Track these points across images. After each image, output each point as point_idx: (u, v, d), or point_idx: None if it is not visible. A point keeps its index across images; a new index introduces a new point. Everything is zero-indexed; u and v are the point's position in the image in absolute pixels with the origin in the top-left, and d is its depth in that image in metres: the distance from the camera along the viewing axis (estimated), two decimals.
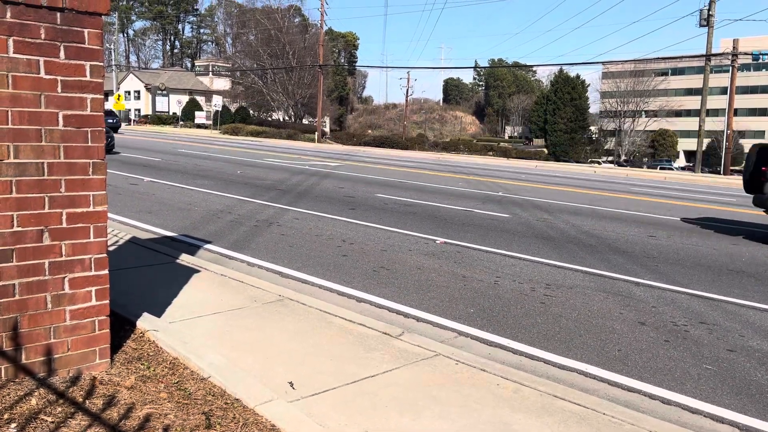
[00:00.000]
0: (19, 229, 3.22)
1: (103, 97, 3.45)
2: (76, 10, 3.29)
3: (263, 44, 68.16)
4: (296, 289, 6.07)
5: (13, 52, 3.11)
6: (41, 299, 3.33)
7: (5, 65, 3.09)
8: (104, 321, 3.58)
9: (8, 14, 3.08)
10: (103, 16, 3.42)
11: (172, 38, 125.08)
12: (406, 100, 78.46)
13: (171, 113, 72.67)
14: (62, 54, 3.28)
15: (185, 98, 72.54)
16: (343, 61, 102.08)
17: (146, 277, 5.77)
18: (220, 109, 59.05)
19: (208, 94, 78.23)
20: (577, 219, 12.52)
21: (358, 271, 7.10)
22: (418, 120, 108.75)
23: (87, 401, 3.19)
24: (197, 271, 6.12)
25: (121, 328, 4.17)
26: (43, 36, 3.20)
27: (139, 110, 79.57)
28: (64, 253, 3.39)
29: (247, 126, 55.96)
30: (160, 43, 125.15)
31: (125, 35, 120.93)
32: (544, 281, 7.09)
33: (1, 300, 3.19)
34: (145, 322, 4.27)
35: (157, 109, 76.35)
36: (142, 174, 15.85)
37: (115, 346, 3.89)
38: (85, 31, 3.35)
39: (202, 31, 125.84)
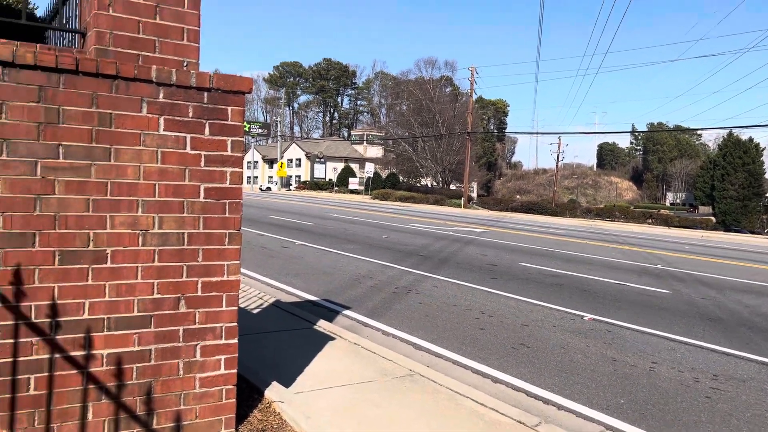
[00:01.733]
0: (159, 296, 3.37)
1: (241, 170, 3.59)
2: (222, 89, 3.49)
3: (414, 113, 70.61)
4: (429, 363, 5.85)
5: (163, 130, 3.34)
6: (174, 365, 3.43)
7: (156, 142, 3.32)
8: (231, 390, 3.61)
9: (161, 95, 3.32)
10: (245, 95, 3.59)
11: (332, 110, 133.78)
12: (557, 165, 76.56)
13: (327, 179, 76.91)
14: (207, 130, 3.46)
15: (341, 165, 76.55)
16: (492, 127, 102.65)
17: (282, 342, 5.87)
18: (371, 175, 61.45)
19: (362, 161, 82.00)
20: (751, 298, 11.11)
21: (495, 346, 6.72)
22: (569, 185, 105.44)
23: None
24: (332, 339, 6.12)
25: (249, 396, 4.19)
26: (190, 114, 3.41)
27: (299, 176, 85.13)
28: (197, 321, 3.49)
29: (396, 191, 57.58)
30: (320, 114, 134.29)
31: (291, 108, 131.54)
32: (711, 371, 6.24)
33: (139, 364, 3.32)
34: (273, 391, 4.27)
35: (315, 176, 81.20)
36: (294, 237, 16.65)
37: (242, 415, 3.90)
38: (229, 108, 3.53)
39: (359, 102, 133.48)
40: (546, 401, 5.14)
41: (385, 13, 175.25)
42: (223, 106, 3.51)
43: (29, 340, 3.03)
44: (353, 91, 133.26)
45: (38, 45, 3.40)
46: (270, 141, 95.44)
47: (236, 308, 3.61)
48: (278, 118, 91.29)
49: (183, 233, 3.42)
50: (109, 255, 3.22)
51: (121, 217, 3.24)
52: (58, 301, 3.10)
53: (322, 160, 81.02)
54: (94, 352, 3.20)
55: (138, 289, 3.30)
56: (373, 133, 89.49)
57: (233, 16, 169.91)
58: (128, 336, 3.29)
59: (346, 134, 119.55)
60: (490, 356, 6.33)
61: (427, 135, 67.21)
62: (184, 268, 3.43)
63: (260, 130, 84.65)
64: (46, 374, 3.07)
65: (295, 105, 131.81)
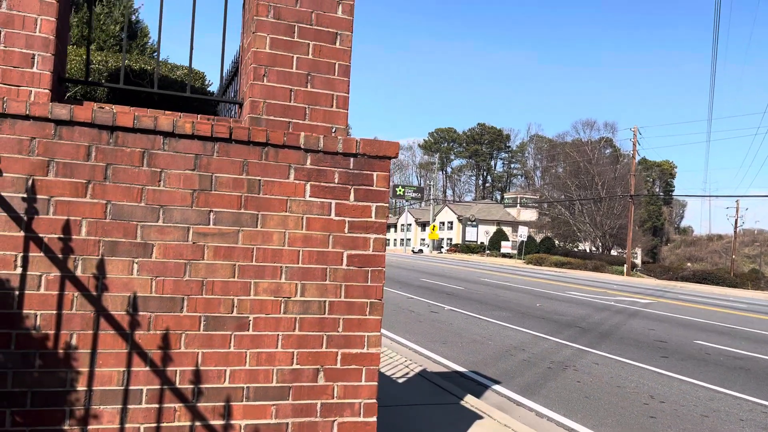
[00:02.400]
0: (298, 366, 3.26)
1: (385, 237, 3.44)
2: (368, 155, 3.41)
3: (571, 176, 68.36)
4: None
5: (309, 196, 3.30)
6: None
7: (301, 208, 3.29)
8: None
9: (308, 161, 3.30)
10: (391, 160, 3.48)
11: (485, 173, 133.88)
12: (735, 231, 69.46)
13: (479, 242, 76.17)
14: (351, 196, 3.38)
15: (492, 228, 75.66)
16: (657, 190, 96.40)
17: (427, 418, 5.54)
18: (525, 239, 59.89)
19: (515, 224, 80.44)
20: None
21: None
22: (750, 253, 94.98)
23: None
24: (479, 417, 5.69)
25: None
26: (336, 180, 3.35)
27: (451, 239, 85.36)
28: (335, 395, 3.32)
29: (551, 256, 55.37)
30: (473, 178, 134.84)
31: (444, 173, 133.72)
32: None
33: None
34: None
35: (466, 239, 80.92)
36: (443, 302, 16.37)
37: None
38: (374, 174, 3.43)
39: (512, 165, 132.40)
40: None
41: (540, 76, 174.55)
42: (368, 172, 3.42)
43: (173, 405, 3.03)
44: (506, 155, 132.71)
45: (198, 116, 3.57)
46: (423, 204, 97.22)
47: (376, 383, 3.40)
48: (431, 182, 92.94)
49: (324, 301, 3.31)
50: (251, 322, 3.18)
51: (265, 284, 3.20)
52: (201, 368, 3.08)
53: (474, 223, 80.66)
54: (232, 421, 3.13)
55: (278, 359, 3.22)
56: (527, 196, 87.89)
57: (390, 88, 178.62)
58: (266, 407, 3.19)
59: (498, 197, 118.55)
60: None
61: (586, 198, 64.53)
62: (324, 338, 3.31)
63: (414, 194, 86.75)
64: None
65: (449, 169, 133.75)
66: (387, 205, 3.47)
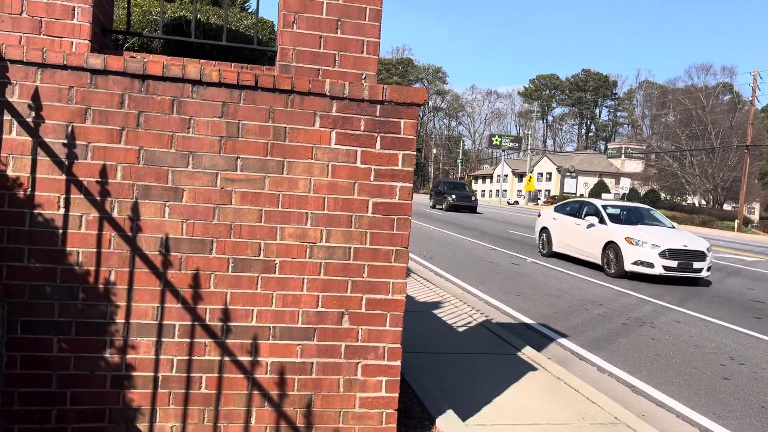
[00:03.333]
0: (323, 309, 3.36)
1: (411, 185, 3.42)
2: (395, 101, 3.37)
3: (682, 125, 63.98)
4: (644, 412, 5.06)
5: (335, 143, 3.33)
6: (334, 382, 3.39)
7: (327, 155, 3.32)
8: (392, 415, 3.45)
9: (334, 108, 3.32)
10: (419, 107, 3.42)
11: (588, 122, 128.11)
12: None
13: (578, 195, 73.61)
14: (378, 144, 3.37)
15: (593, 180, 72.80)
16: None
17: (476, 366, 5.56)
18: (627, 191, 57.22)
19: (617, 176, 76.84)
20: None
21: (739, 402, 5.57)
22: None
23: None
24: (533, 369, 5.64)
25: (420, 423, 3.99)
26: (362, 127, 3.35)
27: (549, 191, 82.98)
28: (360, 338, 3.40)
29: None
30: (575, 127, 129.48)
31: (545, 122, 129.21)
32: None
33: (300, 376, 3.34)
34: (445, 421, 4.01)
35: (564, 191, 78.39)
36: (527, 254, 16.10)
37: None
38: (401, 121, 3.39)
39: (618, 114, 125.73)
40: None
41: (650, 17, 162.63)
42: (395, 119, 3.39)
43: (203, 341, 3.23)
44: (613, 102, 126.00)
45: (232, 64, 3.65)
46: (521, 155, 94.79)
47: (400, 329, 3.45)
48: (529, 131, 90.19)
49: (349, 248, 3.37)
50: (277, 265, 3.29)
51: (291, 229, 3.30)
52: (230, 307, 3.25)
53: (573, 174, 77.82)
54: (259, 358, 3.29)
55: (303, 301, 3.33)
56: (632, 146, 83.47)
57: (489, 35, 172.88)
58: (292, 347, 3.33)
59: (602, 148, 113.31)
60: (729, 414, 5.25)
61: (697, 149, 60.40)
62: (349, 283, 3.38)
63: (511, 144, 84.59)
64: (216, 375, 3.25)
65: (549, 118, 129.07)
66: (414, 153, 3.43)
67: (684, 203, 64.29)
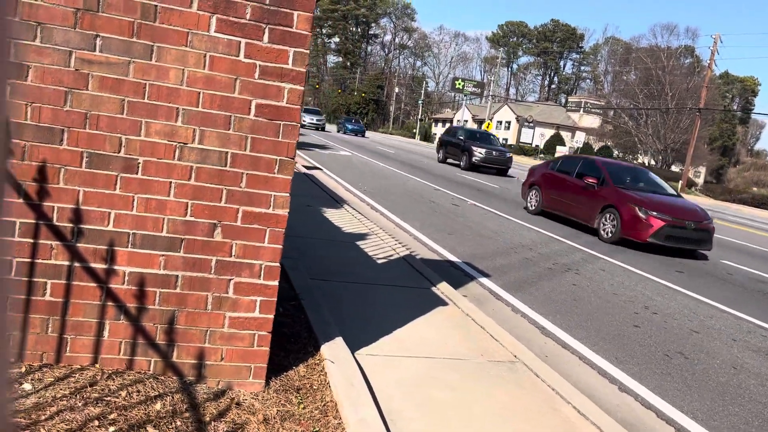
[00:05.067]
0: (192, 219, 3.02)
1: (303, 88, 3.06)
2: None
3: (641, 83, 64.49)
4: (547, 353, 4.98)
5: (215, 31, 2.91)
6: (202, 298, 3.09)
7: (204, 44, 2.91)
8: (264, 337, 3.19)
9: None
10: None
11: (552, 74, 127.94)
12: None
13: (534, 146, 74.11)
14: (266, 37, 2.97)
15: (550, 132, 73.26)
16: (735, 107, 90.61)
17: (385, 298, 5.37)
18: (580, 146, 57.86)
19: (574, 130, 77.57)
20: None
21: (643, 349, 5.56)
22: None
23: (210, 424, 2.81)
24: (444, 305, 5.49)
25: (305, 348, 3.76)
26: (248, 15, 2.94)
27: (506, 139, 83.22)
28: (233, 254, 3.09)
29: None
30: (539, 78, 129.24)
31: (509, 69, 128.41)
32: None
33: (163, 290, 3.03)
34: (331, 348, 3.79)
35: (521, 140, 78.83)
36: (470, 197, 15.98)
37: (284, 366, 3.49)
38: (295, 13, 2.99)
39: (582, 68, 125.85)
40: (681, 430, 4.04)
41: None
42: (287, 10, 2.98)
43: (49, 243, 2.86)
44: (578, 56, 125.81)
45: None
46: (482, 101, 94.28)
47: (280, 246, 3.14)
48: (493, 78, 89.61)
49: (226, 152, 3.01)
50: (140, 165, 2.91)
51: (158, 126, 2.91)
52: (83, 207, 2.88)
53: (531, 124, 78.05)
54: (115, 267, 2.95)
55: (169, 208, 2.98)
56: (591, 101, 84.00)
57: None
58: (154, 257, 2.99)
59: (563, 101, 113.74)
60: (630, 359, 5.22)
61: (652, 108, 61.13)
62: (224, 192, 3.03)
63: (473, 89, 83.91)
64: (63, 282, 2.90)
65: (515, 66, 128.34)
66: (307, 51, 3.05)
67: (634, 161, 65.52)
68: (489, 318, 5.34)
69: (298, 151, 23.01)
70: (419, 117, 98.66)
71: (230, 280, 3.11)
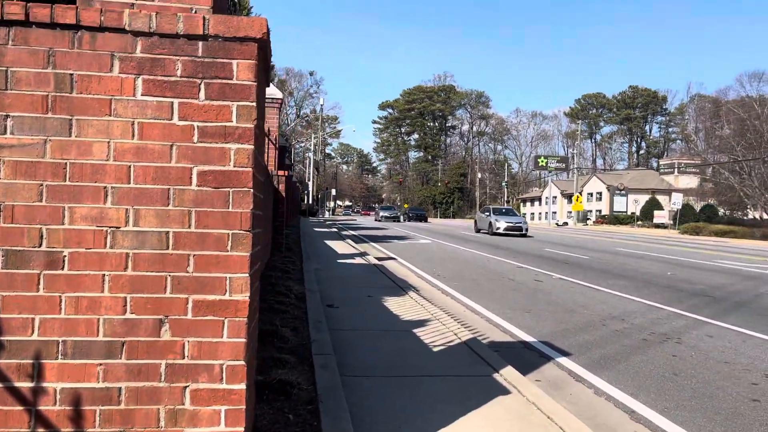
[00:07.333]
0: (132, 316, 2.50)
1: (252, 147, 2.56)
2: (223, 36, 2.54)
3: (737, 136, 60.94)
4: None
5: (142, 94, 2.51)
6: (152, 413, 2.51)
7: (131, 111, 2.51)
8: None
9: (138, 48, 2.51)
10: (258, 43, 2.58)
11: (639, 139, 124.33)
12: None
13: (629, 213, 70.77)
14: (201, 94, 2.54)
15: (644, 197, 69.95)
16: None
17: (436, 391, 4.57)
18: (679, 207, 54.57)
19: (670, 192, 73.65)
20: None
21: (766, 429, 4.39)
22: None
23: None
24: (506, 393, 4.61)
25: None
26: (179, 72, 2.53)
27: (600, 210, 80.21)
28: (186, 354, 2.53)
29: (711, 225, 49.72)
30: (625, 145, 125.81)
31: (593, 141, 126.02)
32: None
33: (104, 407, 2.48)
34: None
35: (614, 209, 75.67)
36: (555, 271, 14.84)
37: None
38: (234, 62, 2.56)
39: (670, 129, 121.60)
40: None
41: (697, 28, 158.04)
42: (224, 60, 2.55)
43: None
44: (663, 118, 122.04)
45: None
46: (569, 175, 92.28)
47: (244, 340, 2.55)
48: (575, 150, 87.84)
49: (167, 232, 2.52)
50: (66, 258, 2.47)
51: (83, 210, 2.48)
52: (2, 315, 2.43)
53: (623, 192, 75.06)
54: (44, 384, 2.45)
55: (104, 306, 2.49)
56: (684, 161, 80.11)
57: (532, 58, 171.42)
58: (90, 367, 2.48)
59: (655, 165, 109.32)
60: None
61: (751, 158, 57.23)
62: (168, 279, 2.52)
63: (557, 164, 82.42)
64: None
65: (597, 137, 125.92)
66: (253, 104, 2.58)
67: (744, 218, 60.82)
68: (558, 405, 4.40)
69: (374, 244, 22.66)
70: (506, 199, 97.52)
71: (185, 387, 2.53)
